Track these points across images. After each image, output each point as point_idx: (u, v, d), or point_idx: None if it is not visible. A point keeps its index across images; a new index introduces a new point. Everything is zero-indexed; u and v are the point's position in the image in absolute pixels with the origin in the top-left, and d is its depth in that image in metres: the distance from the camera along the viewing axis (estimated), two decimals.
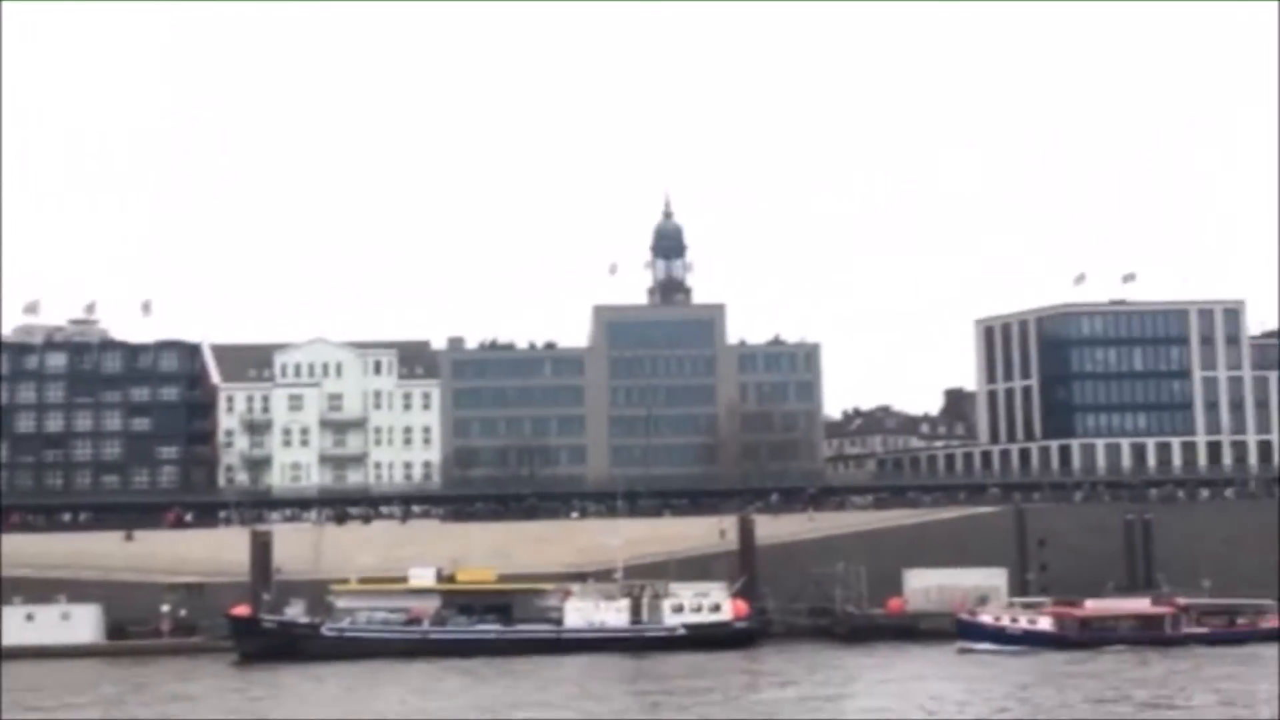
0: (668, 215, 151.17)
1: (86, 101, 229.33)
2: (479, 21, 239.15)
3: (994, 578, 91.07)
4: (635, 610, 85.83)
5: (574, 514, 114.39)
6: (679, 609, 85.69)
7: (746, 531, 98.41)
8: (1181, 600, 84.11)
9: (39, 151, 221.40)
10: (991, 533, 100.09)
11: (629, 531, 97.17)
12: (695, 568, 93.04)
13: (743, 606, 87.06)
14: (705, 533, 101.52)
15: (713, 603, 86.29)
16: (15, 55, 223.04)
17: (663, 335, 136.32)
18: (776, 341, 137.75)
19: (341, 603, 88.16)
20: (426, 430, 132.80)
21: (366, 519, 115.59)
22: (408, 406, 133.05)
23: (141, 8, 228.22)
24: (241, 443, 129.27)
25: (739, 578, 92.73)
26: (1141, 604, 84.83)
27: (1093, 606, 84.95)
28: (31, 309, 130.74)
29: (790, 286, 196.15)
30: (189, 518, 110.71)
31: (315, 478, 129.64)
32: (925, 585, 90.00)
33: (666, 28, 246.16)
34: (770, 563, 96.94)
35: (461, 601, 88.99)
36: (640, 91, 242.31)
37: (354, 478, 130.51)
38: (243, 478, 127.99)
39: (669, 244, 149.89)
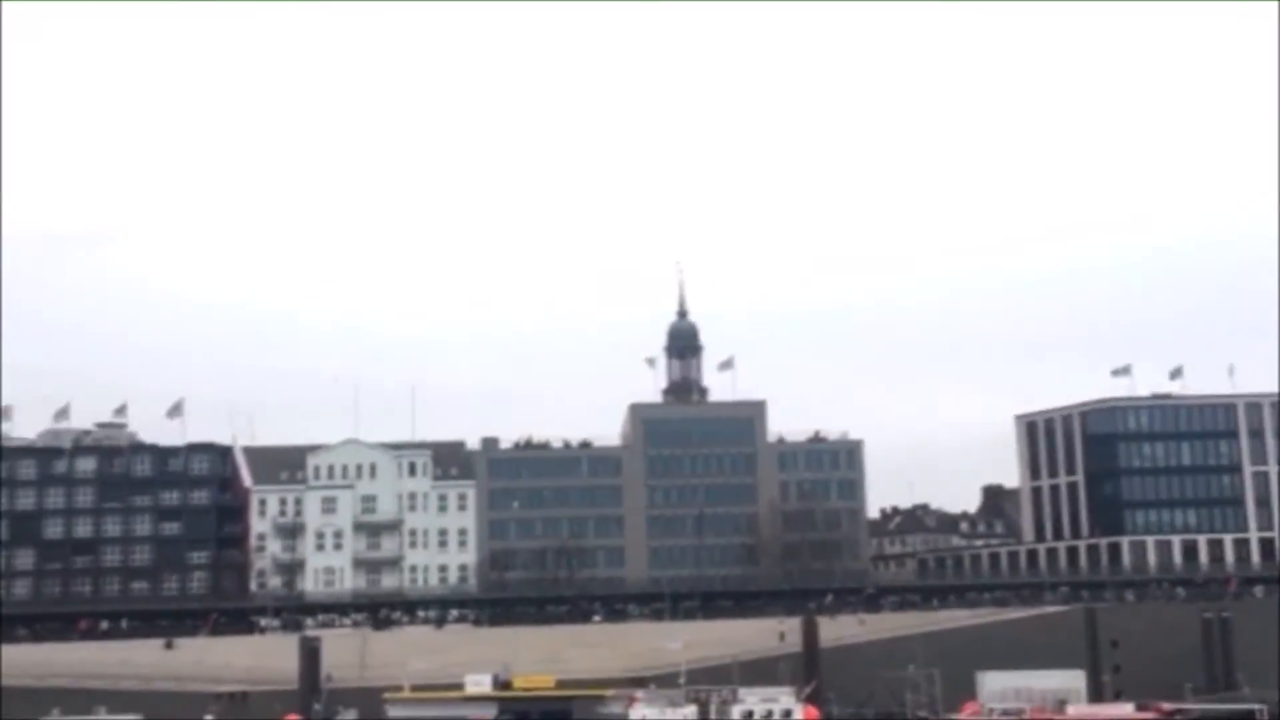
0: (682, 314, 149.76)
1: (115, 203, 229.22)
2: (489, 103, 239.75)
3: (1073, 680, 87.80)
4: (703, 717, 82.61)
5: (606, 617, 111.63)
6: (748, 716, 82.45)
7: (810, 633, 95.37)
8: (1166, 705, 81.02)
9: (65, 253, 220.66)
10: (1060, 633, 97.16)
11: (683, 634, 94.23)
12: (759, 672, 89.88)
13: (814, 712, 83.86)
14: (762, 635, 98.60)
15: (783, 709, 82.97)
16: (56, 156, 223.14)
17: (701, 433, 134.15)
18: (817, 438, 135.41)
19: (395, 711, 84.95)
20: (462, 532, 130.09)
21: (402, 623, 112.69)
22: (443, 508, 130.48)
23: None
24: (274, 546, 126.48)
25: (803, 681, 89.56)
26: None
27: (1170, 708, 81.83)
28: (62, 414, 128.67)
29: (825, 382, 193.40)
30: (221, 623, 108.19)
31: (349, 582, 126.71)
32: (1002, 688, 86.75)
33: (686, 109, 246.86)
34: (832, 666, 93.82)
35: (519, 708, 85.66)
36: (662, 189, 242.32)
37: (389, 581, 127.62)
38: (275, 582, 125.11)
39: (683, 344, 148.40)
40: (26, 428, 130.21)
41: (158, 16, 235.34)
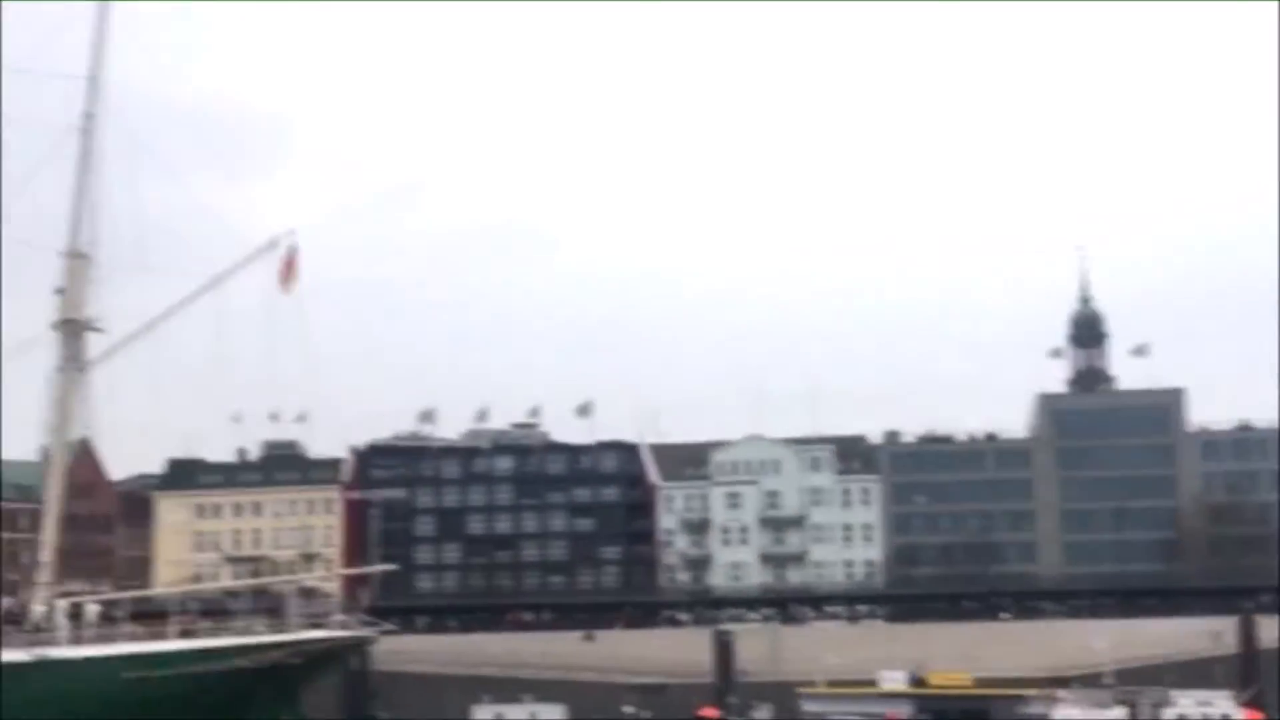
0: (1084, 301, 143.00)
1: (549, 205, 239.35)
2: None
3: None
4: (1131, 719, 78.61)
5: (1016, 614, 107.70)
6: None
7: (1248, 634, 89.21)
8: None
9: (479, 266, 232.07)
10: None
11: (1106, 633, 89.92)
12: (1190, 674, 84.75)
13: (1257, 716, 78.46)
14: (1192, 635, 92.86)
15: (1220, 713, 78.08)
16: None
17: (1114, 423, 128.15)
18: (1244, 427, 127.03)
19: (810, 706, 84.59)
20: (866, 527, 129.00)
21: (809, 619, 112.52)
22: (846, 503, 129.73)
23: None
24: (681, 542, 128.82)
25: (1241, 685, 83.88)
26: None
27: None
28: (481, 416, 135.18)
29: (1250, 368, 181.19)
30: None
31: (756, 577, 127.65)
32: None
33: (1071, 88, 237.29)
34: (1274, 669, 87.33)
35: (935, 706, 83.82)
36: (1061, 176, 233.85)
37: (794, 576, 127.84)
38: (684, 577, 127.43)
39: (1088, 332, 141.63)
40: (450, 429, 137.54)
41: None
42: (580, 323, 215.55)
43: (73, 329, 60.11)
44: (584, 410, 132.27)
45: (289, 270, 56.75)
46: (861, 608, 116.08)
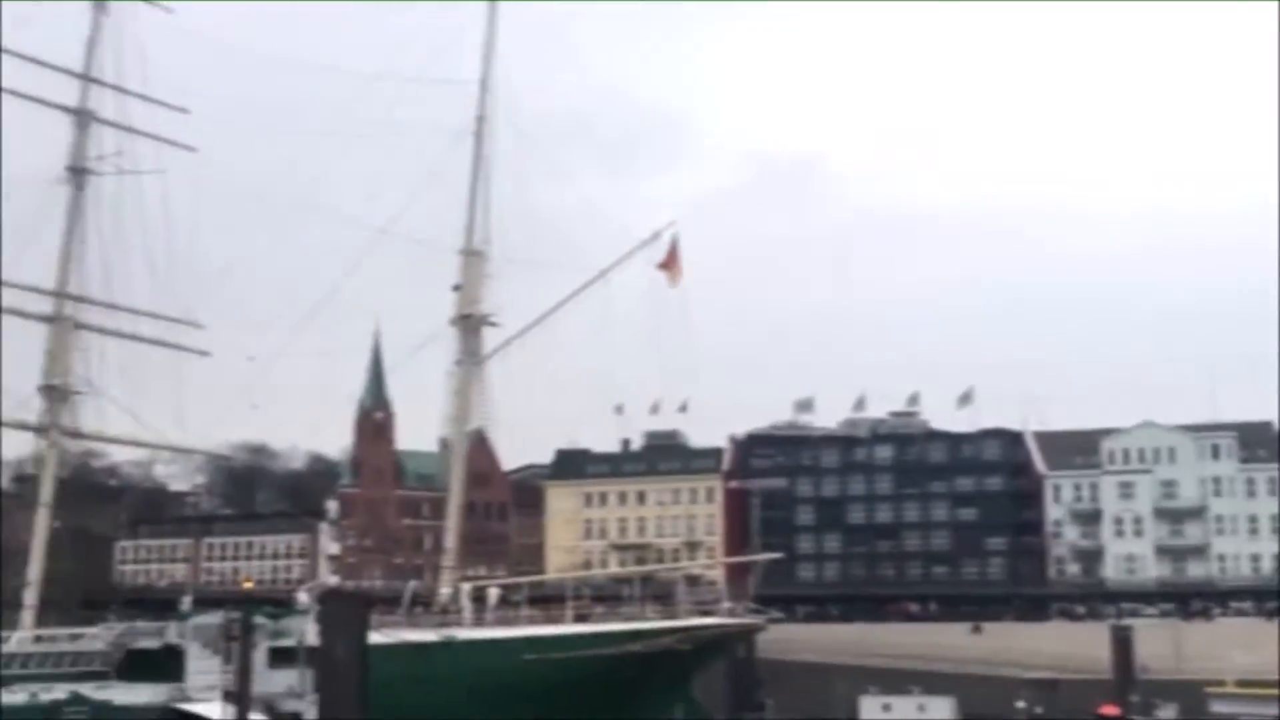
0: None
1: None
2: None
3: None
4: None
5: None
6: None
7: None
8: None
9: (862, 253, 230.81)
10: None
11: None
12: None
13: None
14: None
15: None
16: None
17: None
18: None
19: (1219, 707, 79.47)
20: (1275, 519, 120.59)
21: (1213, 615, 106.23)
22: (1251, 493, 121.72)
23: None
24: (1071, 533, 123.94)
25: None
26: None
27: None
28: (859, 404, 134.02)
29: None
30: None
31: (1152, 570, 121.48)
32: None
33: None
34: None
35: None
36: None
37: (1194, 570, 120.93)
38: (1074, 569, 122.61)
39: None
40: (828, 417, 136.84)
41: None
42: (963, 310, 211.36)
43: (470, 324, 62.81)
44: (965, 398, 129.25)
45: (673, 262, 57.55)
46: (1271, 604, 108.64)
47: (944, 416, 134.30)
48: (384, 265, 64.95)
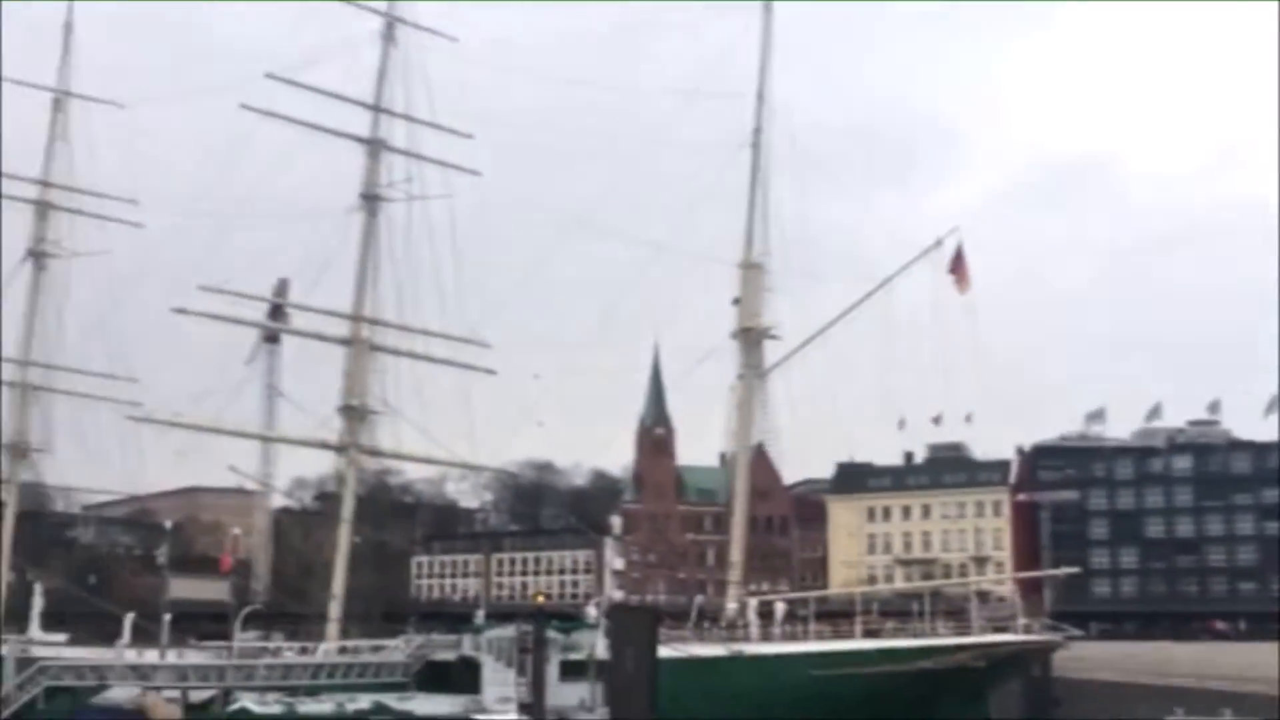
0: None
1: None
2: None
3: None
4: None
5: None
6: None
7: None
8: None
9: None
10: None
11: None
12: None
13: None
14: None
15: None
16: None
17: None
18: None
19: None
20: None
21: None
22: None
23: None
24: None
25: None
26: None
27: None
28: (1154, 413, 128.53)
29: None
30: None
31: None
32: None
33: None
34: None
35: None
36: None
37: None
38: None
39: None
40: (1120, 428, 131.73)
41: None
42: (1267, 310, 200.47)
43: (751, 338, 62.40)
44: (1271, 406, 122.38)
45: (961, 268, 55.96)
46: None
47: (1249, 425, 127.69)
48: (662, 281, 65.21)
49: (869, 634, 56.25)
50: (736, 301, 62.96)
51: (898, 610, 65.93)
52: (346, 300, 64.53)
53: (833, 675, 52.81)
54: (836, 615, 61.57)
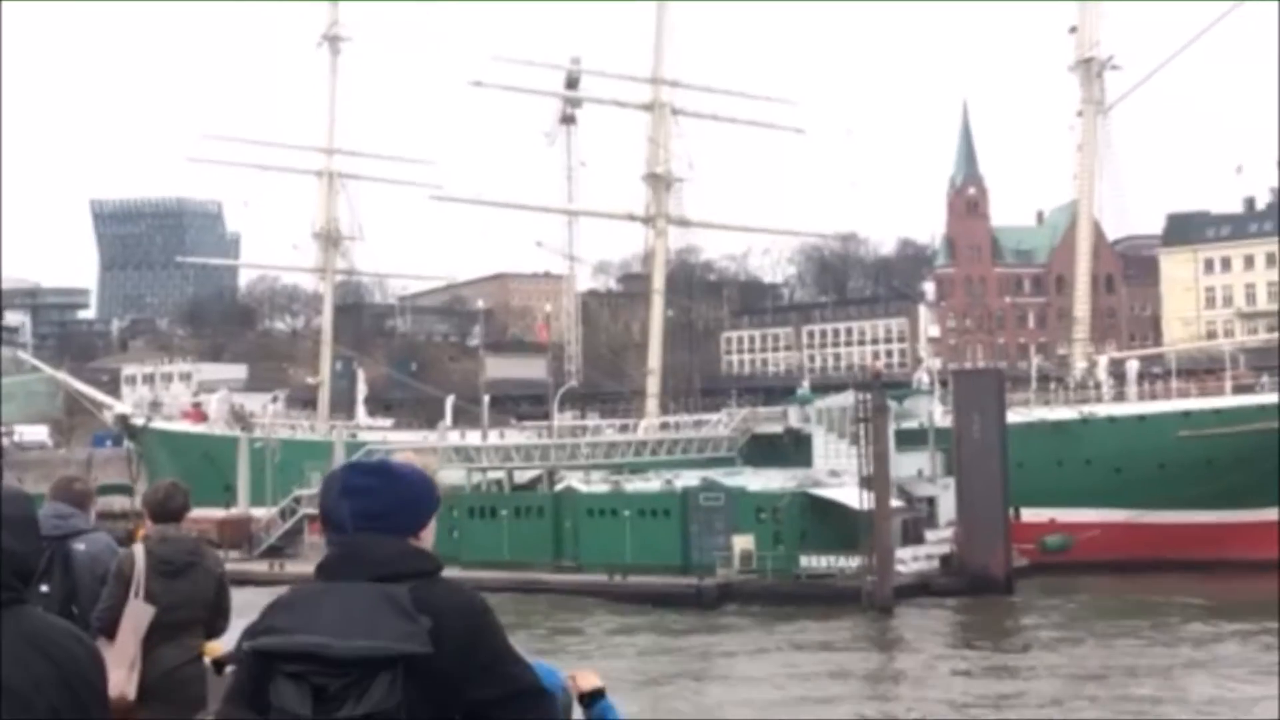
0: None
1: None
2: None
3: None
4: None
5: None
6: None
7: None
8: None
9: None
10: None
11: None
12: None
13: None
14: None
15: None
16: None
17: None
18: None
19: None
20: None
21: None
22: None
23: None
24: None
25: None
26: None
27: None
28: None
29: None
30: None
31: None
32: None
33: None
34: None
35: None
36: None
37: None
38: None
39: None
40: None
41: None
42: None
43: (1091, 69, 56.14)
44: None
45: None
46: None
47: None
48: (972, 27, 59.30)
49: (1239, 390, 50.77)
50: (1073, 30, 56.54)
51: (1255, 367, 59.94)
52: (647, 65, 61.31)
53: (1202, 435, 47.84)
54: (1191, 374, 56.47)
